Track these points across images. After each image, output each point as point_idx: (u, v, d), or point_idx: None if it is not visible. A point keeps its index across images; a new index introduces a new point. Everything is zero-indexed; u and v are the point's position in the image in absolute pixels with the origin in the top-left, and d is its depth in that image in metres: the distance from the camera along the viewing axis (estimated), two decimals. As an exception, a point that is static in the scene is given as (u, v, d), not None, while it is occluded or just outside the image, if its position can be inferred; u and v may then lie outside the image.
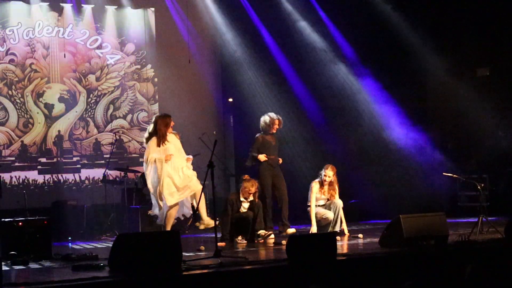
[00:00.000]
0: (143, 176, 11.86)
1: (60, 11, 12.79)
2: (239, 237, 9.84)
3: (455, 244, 8.36)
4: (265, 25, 13.74)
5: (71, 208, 11.55)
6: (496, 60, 13.53)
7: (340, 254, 7.77)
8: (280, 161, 10.57)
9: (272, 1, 13.65)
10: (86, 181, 12.91)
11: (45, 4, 12.68)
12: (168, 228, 9.36)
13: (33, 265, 7.88)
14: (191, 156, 9.70)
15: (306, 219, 10.55)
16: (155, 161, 9.34)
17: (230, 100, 13.78)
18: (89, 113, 13.04)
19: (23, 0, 12.56)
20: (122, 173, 12.06)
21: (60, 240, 10.57)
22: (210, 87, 14.02)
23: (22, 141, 12.51)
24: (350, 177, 12.57)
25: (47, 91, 12.73)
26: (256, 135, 10.65)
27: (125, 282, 6.55)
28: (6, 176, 12.12)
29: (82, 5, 12.94)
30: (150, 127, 9.53)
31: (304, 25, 13.71)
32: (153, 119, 9.60)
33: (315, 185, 10.21)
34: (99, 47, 13.14)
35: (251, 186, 9.87)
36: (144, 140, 9.65)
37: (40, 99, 12.67)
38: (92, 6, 13.00)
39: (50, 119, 12.73)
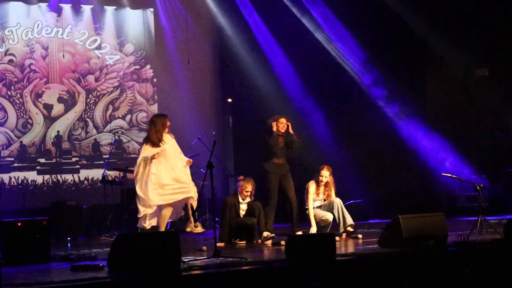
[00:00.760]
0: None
1: (59, 11, 12.79)
2: (238, 239, 9.85)
3: (454, 244, 8.36)
4: (266, 24, 13.74)
5: (70, 209, 11.54)
6: (495, 60, 13.54)
7: (339, 254, 7.77)
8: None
9: (272, 0, 13.66)
10: (85, 182, 12.91)
11: (44, 5, 12.67)
12: (162, 229, 9.31)
13: (32, 266, 7.88)
14: (191, 160, 9.55)
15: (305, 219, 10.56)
16: (145, 162, 9.24)
17: (229, 100, 13.79)
18: (88, 114, 13.04)
19: (22, 1, 12.55)
20: (121, 174, 12.05)
21: (59, 240, 10.57)
22: (209, 88, 14.02)
23: (21, 142, 12.50)
24: (349, 177, 12.58)
25: (46, 91, 12.73)
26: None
27: (124, 283, 6.55)
28: (5, 177, 12.12)
29: (81, 5, 12.93)
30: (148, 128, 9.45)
31: (306, 24, 13.71)
32: (151, 118, 9.54)
33: (311, 185, 10.22)
34: (98, 47, 13.14)
35: (247, 184, 9.88)
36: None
37: (39, 100, 12.66)
38: (91, 6, 13.00)
39: (49, 120, 12.73)
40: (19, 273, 7.37)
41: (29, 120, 12.59)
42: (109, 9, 13.23)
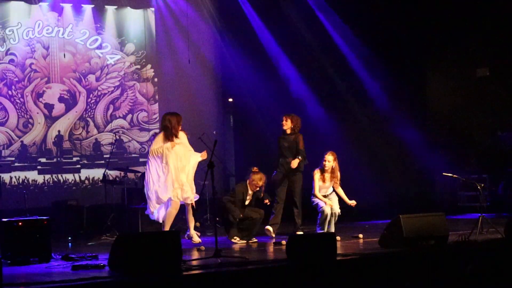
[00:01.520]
0: (143, 176, 11.88)
1: (60, 11, 12.78)
2: (237, 238, 9.83)
3: (455, 244, 8.37)
4: (267, 23, 13.74)
5: (71, 208, 11.54)
6: (496, 60, 13.54)
7: (340, 254, 7.77)
8: (294, 164, 10.24)
9: (272, 1, 13.66)
10: (86, 181, 12.91)
11: (45, 4, 12.67)
12: (167, 228, 9.32)
13: (33, 265, 7.88)
14: (204, 154, 9.53)
15: (308, 219, 10.56)
16: (157, 152, 9.28)
17: (230, 100, 13.78)
18: (89, 113, 13.04)
19: (23, 0, 12.55)
20: (122, 173, 12.07)
21: (60, 240, 10.57)
22: (210, 87, 14.02)
23: (22, 141, 12.50)
24: (350, 177, 12.56)
25: (47, 91, 12.73)
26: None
27: (125, 282, 6.55)
28: (6, 176, 12.11)
29: (82, 5, 12.93)
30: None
31: (305, 24, 13.72)
32: (166, 116, 9.54)
33: (316, 173, 10.14)
34: (99, 47, 13.14)
35: (259, 180, 9.86)
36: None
37: (40, 99, 12.66)
38: (92, 6, 12.99)
39: (50, 119, 12.73)
40: (20, 273, 7.37)
41: (30, 120, 12.59)
42: (110, 9, 13.23)
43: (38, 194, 12.34)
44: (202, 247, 9.00)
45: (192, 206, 9.47)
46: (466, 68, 13.74)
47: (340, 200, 10.10)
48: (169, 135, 9.35)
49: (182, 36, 13.42)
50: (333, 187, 10.13)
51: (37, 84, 12.65)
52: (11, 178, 12.33)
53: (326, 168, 10.06)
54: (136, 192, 11.82)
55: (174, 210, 9.39)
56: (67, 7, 12.82)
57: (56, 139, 12.75)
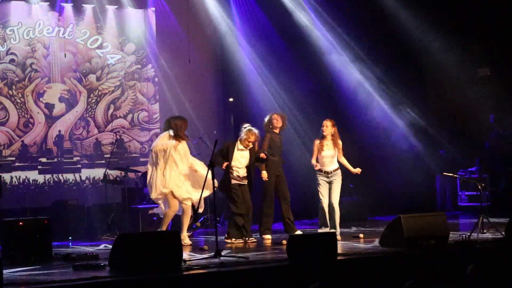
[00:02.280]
0: (143, 175, 11.89)
1: (60, 11, 12.78)
2: (233, 239, 9.84)
3: (456, 244, 8.37)
4: (267, 22, 13.73)
5: (71, 208, 11.55)
6: (497, 60, 13.53)
7: (340, 254, 7.77)
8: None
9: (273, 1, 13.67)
10: (87, 181, 12.91)
11: (46, 4, 12.67)
12: (164, 228, 9.35)
13: (33, 265, 7.88)
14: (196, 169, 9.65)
15: (306, 216, 10.57)
16: (162, 148, 9.34)
17: (231, 99, 13.78)
18: (90, 113, 13.04)
19: (24, 0, 12.55)
20: (123, 173, 12.07)
21: (61, 240, 10.57)
22: (210, 87, 14.01)
23: (22, 141, 12.50)
24: (350, 177, 12.56)
25: (48, 91, 12.72)
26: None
27: (125, 282, 6.55)
28: (6, 176, 12.09)
29: (83, 4, 12.93)
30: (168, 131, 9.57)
31: (306, 23, 13.71)
32: (170, 120, 9.58)
33: (315, 142, 10.14)
34: (100, 47, 13.13)
35: (251, 135, 9.85)
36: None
37: (41, 99, 12.66)
38: (93, 6, 12.98)
39: (51, 119, 12.73)
40: (21, 273, 7.37)
41: (31, 120, 12.58)
42: (111, 9, 13.22)
43: (38, 194, 12.33)
44: (206, 247, 9.00)
45: (193, 206, 9.48)
46: (467, 67, 13.73)
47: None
48: (175, 136, 9.40)
49: (183, 36, 13.41)
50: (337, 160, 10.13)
51: (37, 84, 12.65)
52: (11, 177, 12.33)
53: (324, 134, 10.00)
54: (136, 192, 11.83)
55: (171, 212, 9.40)
56: (68, 7, 12.81)
57: (56, 138, 12.75)
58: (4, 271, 6.52)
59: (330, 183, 10.01)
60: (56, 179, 12.68)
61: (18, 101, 12.49)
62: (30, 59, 12.59)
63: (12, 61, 12.47)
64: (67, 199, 11.85)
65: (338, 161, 10.10)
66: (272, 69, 13.65)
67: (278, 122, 10.52)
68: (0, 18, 12.37)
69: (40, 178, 12.57)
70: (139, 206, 11.11)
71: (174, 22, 13.55)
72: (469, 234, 8.79)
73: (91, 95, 13.04)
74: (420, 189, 13.42)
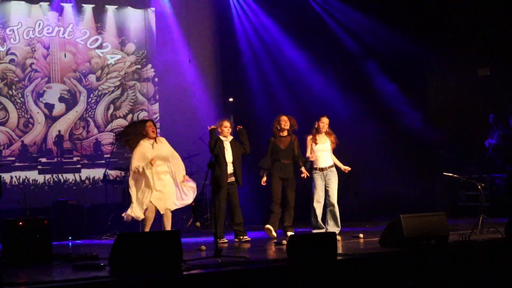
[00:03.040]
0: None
1: (60, 11, 12.79)
2: (245, 237, 9.85)
3: (456, 244, 8.36)
4: (267, 22, 13.73)
5: (71, 208, 11.55)
6: (497, 59, 13.53)
7: (340, 254, 7.77)
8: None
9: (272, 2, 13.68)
10: (87, 181, 12.91)
11: (46, 4, 12.67)
12: (147, 230, 9.40)
13: (33, 265, 7.88)
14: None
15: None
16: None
17: (231, 99, 13.78)
18: (90, 113, 13.04)
19: (24, 0, 12.54)
20: (123, 173, 12.06)
21: (61, 240, 10.58)
22: (210, 87, 14.02)
23: (22, 141, 12.50)
24: (350, 177, 12.56)
25: (48, 91, 12.73)
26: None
27: (125, 282, 6.54)
28: (6, 176, 12.11)
29: (83, 4, 12.93)
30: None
31: (304, 24, 13.72)
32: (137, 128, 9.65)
33: (308, 137, 10.21)
34: (100, 47, 13.14)
35: (225, 121, 10.14)
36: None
37: (41, 99, 12.66)
38: (93, 6, 13.00)
39: (51, 119, 12.73)
40: (21, 272, 7.37)
41: (30, 120, 12.59)
42: (111, 9, 13.23)
43: (38, 194, 12.34)
44: (203, 247, 9.00)
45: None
46: (468, 67, 13.73)
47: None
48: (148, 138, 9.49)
49: (183, 36, 13.42)
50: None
51: (37, 84, 12.65)
52: (11, 178, 12.34)
53: (322, 130, 10.14)
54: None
55: (151, 214, 9.41)
56: (68, 7, 12.82)
57: (56, 139, 12.75)
58: (4, 271, 6.51)
59: (326, 183, 10.05)
60: (56, 179, 12.68)
61: (18, 101, 12.49)
62: (30, 59, 12.59)
63: (12, 61, 12.48)
64: (67, 199, 11.85)
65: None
66: (272, 69, 13.65)
67: (286, 124, 10.43)
68: (0, 18, 12.37)
69: (40, 178, 12.57)
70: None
71: (174, 22, 13.56)
72: (469, 234, 8.78)
73: (91, 95, 13.05)
74: (421, 189, 13.41)
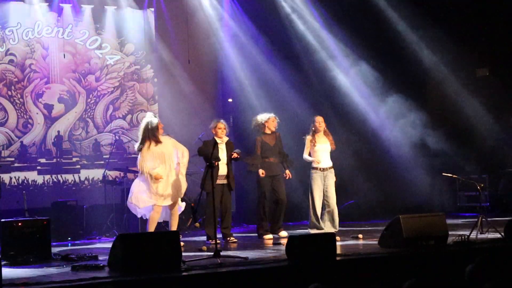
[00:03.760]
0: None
1: (59, 11, 12.78)
2: (232, 238, 9.86)
3: (455, 244, 8.37)
4: (266, 25, 13.74)
5: (70, 209, 11.55)
6: (496, 60, 13.54)
7: (339, 254, 7.77)
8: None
9: (271, 2, 13.67)
10: (86, 182, 12.90)
11: (45, 5, 12.66)
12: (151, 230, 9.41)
13: (32, 266, 7.88)
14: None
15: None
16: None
17: (230, 100, 13.78)
18: (89, 114, 13.03)
19: (23, 1, 12.54)
20: (122, 174, 12.07)
21: (60, 240, 10.58)
22: (209, 87, 14.01)
23: (21, 142, 12.50)
24: (349, 177, 12.57)
25: (47, 91, 12.72)
26: (256, 137, 10.62)
27: (124, 282, 6.55)
28: (5, 177, 12.10)
29: (82, 5, 12.93)
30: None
31: (302, 25, 13.74)
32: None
33: (308, 137, 10.26)
34: (99, 47, 13.13)
35: (219, 123, 10.14)
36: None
37: (40, 100, 12.66)
38: (92, 6, 12.99)
39: (50, 120, 12.72)
40: (20, 273, 7.37)
41: (30, 120, 12.58)
42: (110, 9, 13.23)
43: (37, 195, 12.33)
44: (204, 247, 9.00)
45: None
46: (467, 68, 13.73)
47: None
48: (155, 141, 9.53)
49: (182, 37, 13.42)
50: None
51: (36, 84, 12.65)
52: (10, 178, 12.33)
53: (320, 130, 10.22)
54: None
55: (156, 214, 9.43)
56: (67, 8, 12.82)
57: (55, 139, 12.75)
58: (4, 272, 6.51)
59: (325, 184, 10.12)
60: (55, 179, 12.68)
61: (17, 101, 12.49)
62: (29, 59, 12.59)
63: (11, 61, 12.47)
64: (66, 200, 11.85)
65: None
66: (272, 69, 13.65)
67: (274, 123, 10.55)
68: (-1, 18, 12.38)
69: (39, 179, 12.57)
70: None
71: (173, 22, 13.55)
72: (468, 234, 8.79)
73: (90, 96, 13.04)
74: (420, 189, 13.42)
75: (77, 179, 12.84)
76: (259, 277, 6.97)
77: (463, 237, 8.58)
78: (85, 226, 11.38)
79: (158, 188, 9.31)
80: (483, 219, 9.36)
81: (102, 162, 12.82)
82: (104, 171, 11.74)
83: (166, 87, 13.58)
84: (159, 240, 7.31)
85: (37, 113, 12.64)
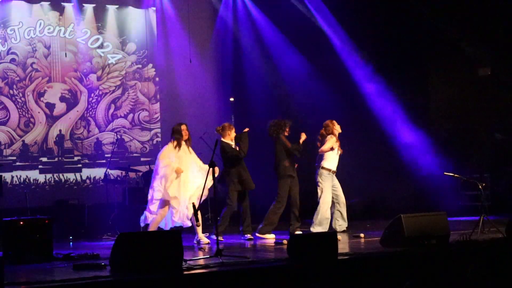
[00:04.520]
0: (144, 175, 11.91)
1: (61, 10, 12.79)
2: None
3: (456, 243, 8.36)
4: (269, 22, 13.73)
5: (72, 208, 11.56)
6: (498, 59, 13.52)
7: (341, 254, 7.77)
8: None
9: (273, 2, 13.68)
10: (87, 181, 12.91)
11: (46, 4, 12.67)
12: (154, 228, 9.45)
13: (34, 265, 7.88)
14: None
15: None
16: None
17: (231, 99, 13.78)
18: (90, 113, 13.04)
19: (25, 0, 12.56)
20: (123, 173, 12.08)
21: (61, 239, 10.58)
22: (211, 86, 14.01)
23: (23, 141, 12.51)
24: (351, 177, 12.56)
25: (48, 90, 12.73)
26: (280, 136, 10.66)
27: (126, 282, 6.55)
28: (7, 176, 12.11)
29: (84, 4, 12.93)
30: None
31: (307, 24, 13.73)
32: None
33: (332, 138, 10.37)
34: (101, 46, 13.14)
35: (227, 128, 10.17)
36: None
37: (41, 99, 12.67)
38: (93, 5, 13.00)
39: (51, 119, 12.73)
40: (21, 272, 7.38)
41: (31, 119, 12.59)
42: (111, 8, 13.23)
43: (39, 194, 12.35)
44: (205, 247, 9.01)
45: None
46: (468, 67, 13.72)
47: None
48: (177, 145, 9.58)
49: (184, 35, 13.42)
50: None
51: (38, 83, 12.65)
52: (12, 177, 12.34)
53: (336, 132, 10.42)
54: (137, 192, 11.83)
55: (159, 218, 9.51)
56: (68, 7, 12.82)
57: (57, 138, 12.75)
58: (5, 270, 6.52)
59: (334, 185, 10.45)
60: (57, 178, 12.69)
61: (19, 100, 12.50)
62: (31, 58, 12.60)
63: (13, 60, 12.48)
64: (68, 199, 11.87)
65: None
66: (273, 68, 13.65)
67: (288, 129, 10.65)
68: (1, 17, 12.38)
69: (41, 178, 12.58)
70: (140, 206, 11.09)
71: (175, 21, 13.56)
72: (469, 233, 8.78)
73: (92, 95, 13.05)
74: (421, 189, 13.41)
75: (78, 178, 12.85)
76: (259, 277, 6.97)
77: (464, 237, 8.58)
78: (87, 225, 11.38)
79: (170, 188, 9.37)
80: (485, 219, 9.35)
81: (104, 161, 12.82)
82: (106, 170, 11.74)
83: (168, 86, 13.59)
84: (161, 239, 7.31)
85: (38, 112, 12.65)
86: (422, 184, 13.46)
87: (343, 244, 8.97)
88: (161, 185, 9.37)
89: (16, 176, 12.40)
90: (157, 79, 13.60)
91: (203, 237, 9.56)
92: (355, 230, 10.55)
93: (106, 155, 12.89)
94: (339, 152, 10.45)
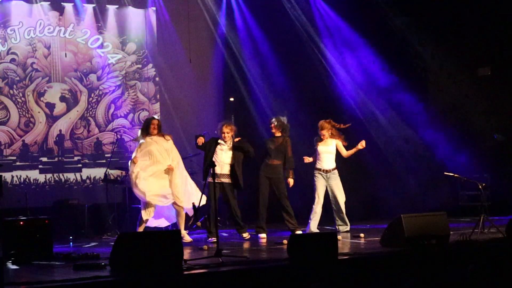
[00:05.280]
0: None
1: (61, 10, 12.79)
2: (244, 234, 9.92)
3: (456, 243, 8.37)
4: (267, 24, 13.74)
5: (72, 208, 11.55)
6: (498, 59, 13.53)
7: (341, 254, 7.77)
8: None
9: (274, 1, 13.68)
10: (87, 181, 12.91)
11: (46, 4, 12.67)
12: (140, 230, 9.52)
13: (34, 265, 7.88)
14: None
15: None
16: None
17: (231, 99, 13.78)
18: (90, 113, 13.04)
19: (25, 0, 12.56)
20: (123, 173, 12.06)
21: (61, 239, 10.57)
22: (211, 86, 14.01)
23: (23, 141, 12.51)
24: (351, 177, 12.56)
25: (48, 90, 12.73)
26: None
27: (126, 282, 6.55)
28: (7, 176, 12.09)
29: (84, 4, 12.93)
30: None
31: (307, 25, 13.74)
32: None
33: (316, 142, 10.40)
34: (100, 46, 13.13)
35: (225, 128, 10.17)
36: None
37: (41, 99, 12.67)
38: (93, 5, 12.99)
39: (51, 119, 12.73)
40: (22, 272, 7.38)
41: (31, 119, 12.59)
42: (111, 8, 13.23)
43: (39, 194, 12.34)
44: (205, 247, 9.01)
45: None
46: (468, 67, 13.72)
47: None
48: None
49: (184, 36, 13.42)
50: (337, 148, 10.43)
51: (38, 83, 12.65)
52: (12, 177, 12.34)
53: (325, 136, 10.36)
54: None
55: (144, 215, 9.70)
56: (68, 7, 12.82)
57: (57, 138, 12.76)
58: (5, 271, 6.52)
59: (331, 186, 10.23)
60: (57, 178, 12.69)
61: (19, 100, 12.50)
62: (31, 58, 12.60)
63: (13, 60, 12.48)
64: (68, 199, 11.87)
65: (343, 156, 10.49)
66: (273, 68, 13.65)
67: (273, 126, 10.61)
68: (1, 17, 12.37)
69: (41, 178, 12.58)
70: (140, 206, 11.08)
71: (175, 21, 13.55)
72: (469, 233, 8.78)
73: (92, 95, 13.05)
74: (421, 189, 13.42)
75: (78, 178, 12.85)
76: (260, 276, 6.97)
77: (464, 237, 8.58)
78: (87, 225, 11.38)
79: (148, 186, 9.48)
80: (485, 219, 9.35)
81: (104, 161, 12.82)
82: (106, 170, 11.74)
83: (168, 86, 13.59)
84: (160, 239, 7.31)
85: (38, 112, 12.65)
86: (421, 184, 13.48)
87: (343, 244, 8.98)
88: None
89: (16, 176, 12.40)
90: (157, 79, 13.60)
91: (185, 235, 9.66)
92: (355, 230, 10.55)
93: (106, 155, 12.89)
94: (332, 149, 10.39)
